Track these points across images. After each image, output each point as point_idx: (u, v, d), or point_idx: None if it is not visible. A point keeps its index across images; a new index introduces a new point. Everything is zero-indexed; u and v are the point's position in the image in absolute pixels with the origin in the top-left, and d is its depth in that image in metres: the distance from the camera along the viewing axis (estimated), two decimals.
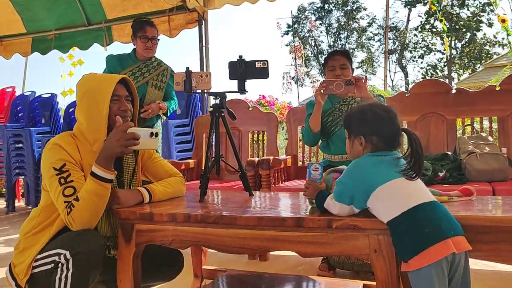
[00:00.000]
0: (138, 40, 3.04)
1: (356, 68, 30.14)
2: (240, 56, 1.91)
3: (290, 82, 17.01)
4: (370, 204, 1.27)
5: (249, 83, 1.97)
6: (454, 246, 1.14)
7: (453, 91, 2.98)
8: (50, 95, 5.45)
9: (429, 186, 2.46)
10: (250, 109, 3.58)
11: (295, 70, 16.48)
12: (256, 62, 1.93)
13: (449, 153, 2.80)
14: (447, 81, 20.81)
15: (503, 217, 1.28)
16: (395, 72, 30.19)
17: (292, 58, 16.33)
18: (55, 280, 1.42)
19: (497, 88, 2.88)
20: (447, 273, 1.18)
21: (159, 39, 3.13)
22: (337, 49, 2.77)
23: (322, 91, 2.43)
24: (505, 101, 2.84)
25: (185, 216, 1.52)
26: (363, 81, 2.37)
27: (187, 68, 1.96)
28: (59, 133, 2.44)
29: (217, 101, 1.97)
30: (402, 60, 26.30)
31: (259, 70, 1.93)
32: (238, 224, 1.44)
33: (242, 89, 1.95)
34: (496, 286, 2.21)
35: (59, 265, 1.44)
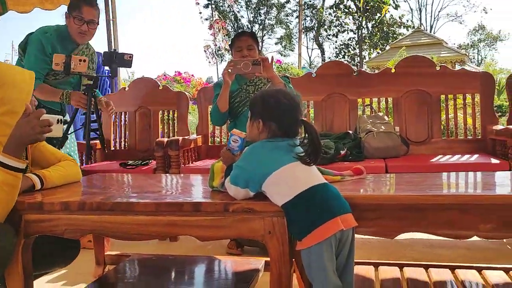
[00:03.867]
0: (71, 20, 2.58)
1: (275, 44, 30.58)
2: (114, 50, 2.70)
3: (212, 57, 16.82)
4: (265, 188, 1.31)
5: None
6: (342, 224, 1.22)
7: (355, 73, 3.15)
8: None
9: (331, 163, 2.64)
10: (160, 88, 3.47)
11: (215, 44, 16.29)
12: (125, 55, 2.66)
13: (350, 132, 2.97)
14: (358, 59, 21.95)
15: (383, 195, 1.39)
16: (312, 49, 31.16)
17: (211, 33, 16.09)
18: None
19: (392, 71, 3.09)
20: (336, 249, 1.26)
21: (98, 23, 2.66)
22: (244, 30, 2.78)
23: (229, 70, 2.43)
24: (399, 83, 3.07)
25: (80, 204, 1.45)
26: (270, 61, 2.41)
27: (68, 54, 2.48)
28: None
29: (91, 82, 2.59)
30: (319, 38, 27.10)
31: (126, 61, 2.67)
32: (136, 211, 1.41)
33: (113, 75, 2.75)
34: (382, 253, 2.43)
35: None
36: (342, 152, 2.76)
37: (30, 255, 1.54)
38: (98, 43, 4.68)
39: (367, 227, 1.37)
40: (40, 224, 1.49)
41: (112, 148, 3.51)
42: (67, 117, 2.86)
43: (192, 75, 9.43)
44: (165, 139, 2.93)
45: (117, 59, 2.66)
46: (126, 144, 3.50)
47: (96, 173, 2.93)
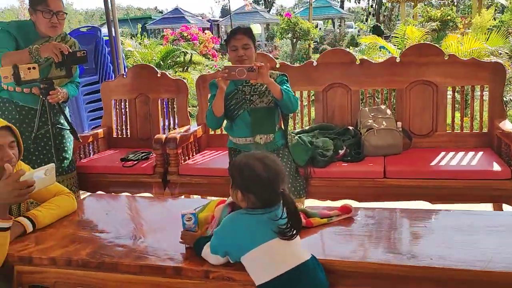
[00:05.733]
0: (39, 15, 2.48)
1: None
2: (64, 52, 2.37)
3: None
4: (243, 262, 1.31)
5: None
6: None
7: (358, 62, 3.00)
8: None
9: (329, 164, 2.61)
10: (158, 75, 3.39)
11: None
12: (77, 52, 2.47)
13: (350, 128, 2.90)
14: None
15: (364, 262, 1.36)
16: None
17: None
18: None
19: (398, 60, 2.94)
20: None
21: (66, 13, 2.59)
22: (240, 27, 2.62)
23: (224, 75, 2.35)
24: (404, 73, 2.92)
25: (66, 261, 1.49)
26: (265, 68, 2.31)
27: (14, 64, 2.31)
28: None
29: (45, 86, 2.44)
30: None
31: (79, 58, 2.49)
32: (121, 270, 1.44)
33: (69, 75, 2.53)
34: None
35: None
36: (341, 152, 2.71)
37: None
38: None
39: None
40: (32, 275, 1.55)
41: (115, 136, 3.51)
42: (67, 112, 2.78)
43: (200, 29, 9.13)
44: (164, 136, 2.91)
45: (69, 58, 2.42)
46: (128, 132, 3.49)
47: (95, 172, 2.98)
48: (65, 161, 2.75)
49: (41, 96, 2.48)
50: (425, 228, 1.57)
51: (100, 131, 3.39)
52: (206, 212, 1.57)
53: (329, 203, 3.08)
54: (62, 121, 2.70)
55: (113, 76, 4.08)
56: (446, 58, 2.86)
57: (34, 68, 2.34)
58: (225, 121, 2.67)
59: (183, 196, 3.03)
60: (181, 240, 1.47)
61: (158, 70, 3.45)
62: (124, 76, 3.48)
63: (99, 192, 3.10)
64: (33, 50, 2.41)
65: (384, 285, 1.33)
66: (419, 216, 1.66)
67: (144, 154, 3.14)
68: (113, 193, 3.16)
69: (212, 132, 3.37)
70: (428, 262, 1.30)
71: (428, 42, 2.89)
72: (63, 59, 2.38)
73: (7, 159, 1.55)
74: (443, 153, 2.72)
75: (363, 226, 1.59)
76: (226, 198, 1.61)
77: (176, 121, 3.38)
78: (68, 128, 2.65)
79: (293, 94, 2.50)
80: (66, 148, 2.75)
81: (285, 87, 2.48)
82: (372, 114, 2.88)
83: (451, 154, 2.70)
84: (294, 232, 1.27)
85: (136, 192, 3.03)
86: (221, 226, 1.36)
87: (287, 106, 2.46)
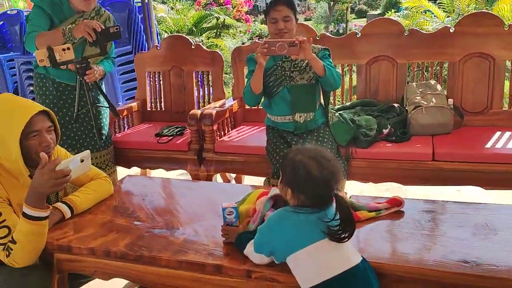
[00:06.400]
0: None
1: None
2: (97, 30, 2.29)
3: None
4: (288, 263, 1.23)
5: None
6: None
7: (406, 32, 2.77)
8: (16, 11, 4.68)
9: (372, 144, 2.47)
10: (192, 47, 3.27)
11: None
12: (110, 28, 2.38)
13: (396, 105, 2.71)
14: None
15: (419, 268, 1.23)
16: None
17: None
18: None
19: (451, 30, 2.69)
20: None
21: None
22: None
23: (264, 51, 2.20)
24: (458, 45, 2.68)
25: (104, 252, 1.45)
26: (308, 43, 2.15)
27: (49, 46, 2.24)
28: None
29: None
30: None
31: (113, 34, 2.38)
32: (159, 264, 1.39)
33: (103, 53, 2.46)
34: None
35: None
36: (385, 131, 2.55)
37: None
38: None
39: None
40: (71, 263, 1.53)
41: (149, 109, 3.46)
42: (103, 87, 2.73)
43: None
44: (199, 112, 2.83)
45: (103, 35, 2.32)
46: (162, 105, 3.43)
47: (130, 147, 2.94)
48: (102, 137, 2.73)
49: (78, 76, 2.43)
50: (487, 226, 1.42)
51: (134, 104, 3.34)
52: (247, 204, 1.49)
53: (371, 186, 2.97)
54: (101, 99, 2.66)
55: (146, 45, 3.98)
56: (506, 29, 2.59)
57: (68, 48, 2.28)
58: (262, 98, 2.55)
59: (219, 175, 2.98)
60: (222, 236, 1.40)
61: (192, 41, 3.32)
62: (158, 48, 3.38)
63: (133, 167, 3.10)
64: (66, 31, 2.36)
65: None
66: (479, 211, 1.51)
67: (179, 129, 3.07)
68: (148, 169, 3.16)
69: (248, 107, 3.26)
70: (495, 271, 1.17)
71: (485, 11, 2.64)
72: (97, 37, 2.30)
73: (45, 144, 1.51)
74: (498, 133, 2.51)
75: (416, 222, 1.47)
76: (267, 190, 1.53)
77: (212, 97, 3.28)
78: (108, 106, 2.61)
79: (336, 70, 2.34)
80: (103, 125, 2.72)
81: (327, 62, 2.32)
82: (420, 90, 2.68)
83: (508, 134, 2.49)
84: (347, 235, 1.17)
85: (171, 168, 2.99)
86: (266, 223, 1.27)
87: (330, 83, 2.30)
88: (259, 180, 2.93)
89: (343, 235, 1.17)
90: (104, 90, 2.73)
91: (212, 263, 1.33)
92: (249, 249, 1.29)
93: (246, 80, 2.52)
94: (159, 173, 3.07)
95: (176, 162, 2.90)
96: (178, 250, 1.41)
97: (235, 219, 1.41)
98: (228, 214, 1.40)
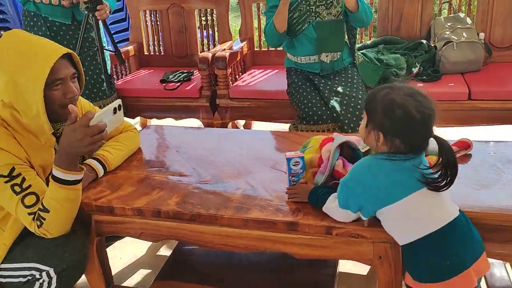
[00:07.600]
0: None
1: None
2: None
3: None
4: (380, 216, 1.09)
5: None
6: (474, 276, 1.04)
7: None
8: None
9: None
10: None
11: None
12: None
13: (424, 41, 2.54)
14: None
15: None
16: None
17: None
18: None
19: None
20: None
21: None
22: None
23: None
24: None
25: (154, 212, 1.28)
26: None
27: None
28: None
29: None
30: None
31: None
32: (220, 223, 1.24)
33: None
34: None
35: (39, 281, 1.26)
36: (415, 70, 2.40)
37: (105, 253, 1.46)
38: None
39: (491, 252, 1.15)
40: (112, 225, 1.37)
41: (146, 53, 3.17)
42: (103, 35, 2.44)
43: None
44: (210, 55, 2.58)
45: None
46: (161, 48, 3.14)
47: (134, 95, 2.69)
48: (111, 84, 2.49)
49: (86, 12, 2.15)
50: None
51: (130, 48, 3.04)
52: (311, 153, 1.33)
53: None
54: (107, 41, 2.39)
55: None
56: None
57: None
58: None
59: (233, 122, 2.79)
60: (289, 198, 1.25)
61: None
62: None
63: (139, 116, 2.87)
64: None
65: None
66: None
67: (185, 74, 2.83)
68: (155, 118, 2.93)
69: (258, 48, 3.02)
70: None
71: None
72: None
73: (71, 95, 1.27)
74: None
75: (493, 166, 1.35)
76: (331, 135, 1.37)
77: (217, 40, 3.01)
78: (114, 51, 2.33)
79: (367, 4, 2.13)
80: (107, 69, 2.46)
81: None
82: (449, 24, 2.51)
83: None
84: (448, 181, 1.04)
85: (180, 118, 2.78)
86: (351, 174, 1.11)
87: (362, 19, 2.11)
88: (270, 126, 2.76)
89: (443, 183, 1.04)
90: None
91: (285, 220, 1.18)
92: (330, 205, 1.14)
93: (266, 18, 2.27)
94: (167, 122, 2.85)
95: (186, 111, 2.69)
96: (239, 207, 1.25)
97: (301, 170, 1.25)
98: (294, 165, 1.25)
